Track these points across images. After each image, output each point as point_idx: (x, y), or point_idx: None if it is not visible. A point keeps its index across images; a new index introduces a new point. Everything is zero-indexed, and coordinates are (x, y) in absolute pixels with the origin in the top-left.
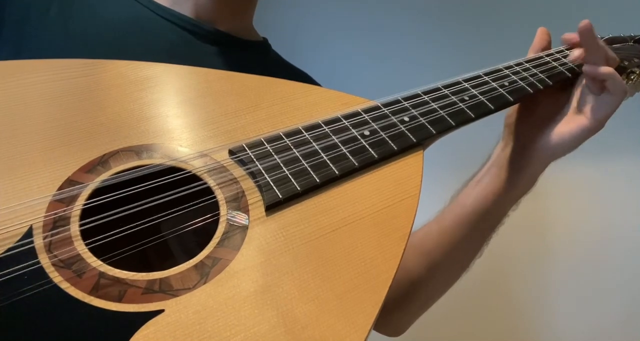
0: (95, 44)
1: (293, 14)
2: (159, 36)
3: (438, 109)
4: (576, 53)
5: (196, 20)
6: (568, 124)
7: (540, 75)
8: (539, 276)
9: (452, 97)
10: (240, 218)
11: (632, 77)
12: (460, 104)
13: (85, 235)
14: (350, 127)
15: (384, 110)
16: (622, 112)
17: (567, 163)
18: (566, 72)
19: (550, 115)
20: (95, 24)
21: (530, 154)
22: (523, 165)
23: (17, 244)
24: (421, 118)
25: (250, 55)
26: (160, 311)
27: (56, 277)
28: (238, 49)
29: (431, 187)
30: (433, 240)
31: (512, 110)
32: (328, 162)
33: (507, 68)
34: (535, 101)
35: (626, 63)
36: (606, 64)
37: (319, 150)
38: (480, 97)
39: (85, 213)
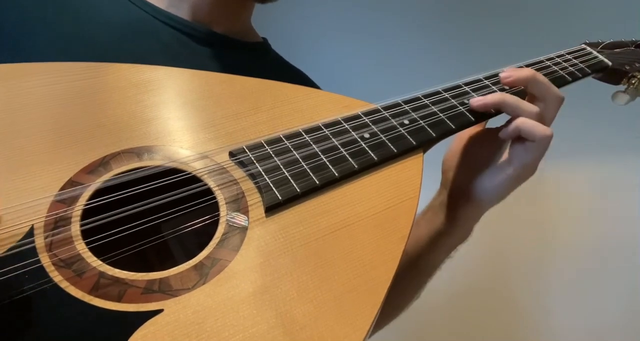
0: (92, 47)
1: (294, 15)
2: (155, 38)
3: (438, 112)
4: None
5: (192, 22)
6: (498, 173)
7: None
8: (539, 277)
9: (453, 100)
10: (240, 220)
11: (633, 82)
12: (461, 107)
13: (86, 235)
14: (350, 130)
15: (384, 113)
16: (622, 114)
17: (568, 164)
18: (577, 72)
19: (484, 161)
20: (92, 27)
21: (466, 202)
22: (459, 213)
23: (18, 243)
24: (421, 121)
25: (248, 56)
26: (159, 311)
27: (56, 276)
28: (235, 50)
29: (431, 190)
30: None
31: (448, 157)
32: (328, 164)
33: None
34: (469, 149)
35: (627, 68)
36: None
37: (319, 152)
38: None
39: (86, 214)
